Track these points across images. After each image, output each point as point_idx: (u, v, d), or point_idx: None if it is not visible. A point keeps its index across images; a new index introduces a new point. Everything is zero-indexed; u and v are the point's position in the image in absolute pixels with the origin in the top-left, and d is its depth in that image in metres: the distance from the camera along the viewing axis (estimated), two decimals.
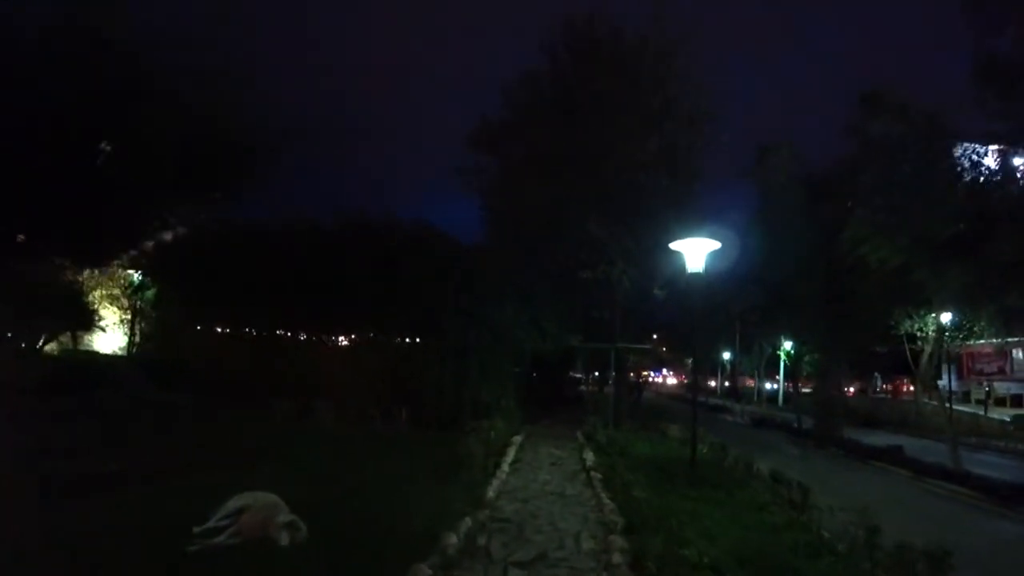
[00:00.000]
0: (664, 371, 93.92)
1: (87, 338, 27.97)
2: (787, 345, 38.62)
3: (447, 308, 15.57)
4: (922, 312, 20.75)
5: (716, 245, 10.85)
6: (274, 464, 9.80)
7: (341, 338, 19.14)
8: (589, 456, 11.77)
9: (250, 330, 20.06)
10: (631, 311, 19.68)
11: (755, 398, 44.41)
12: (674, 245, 11.18)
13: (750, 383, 53.68)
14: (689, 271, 10.97)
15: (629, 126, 20.22)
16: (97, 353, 25.94)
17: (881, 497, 10.95)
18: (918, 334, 22.27)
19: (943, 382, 32.16)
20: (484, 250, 17.77)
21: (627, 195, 19.26)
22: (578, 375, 40.85)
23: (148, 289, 23.91)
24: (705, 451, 13.18)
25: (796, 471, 12.00)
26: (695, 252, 10.95)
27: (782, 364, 39.44)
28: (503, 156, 22.69)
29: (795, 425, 21.33)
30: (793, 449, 17.74)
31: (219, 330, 21.07)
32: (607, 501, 7.76)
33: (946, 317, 20.79)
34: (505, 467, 10.29)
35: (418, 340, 17.22)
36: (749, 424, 25.25)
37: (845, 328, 18.38)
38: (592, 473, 10.09)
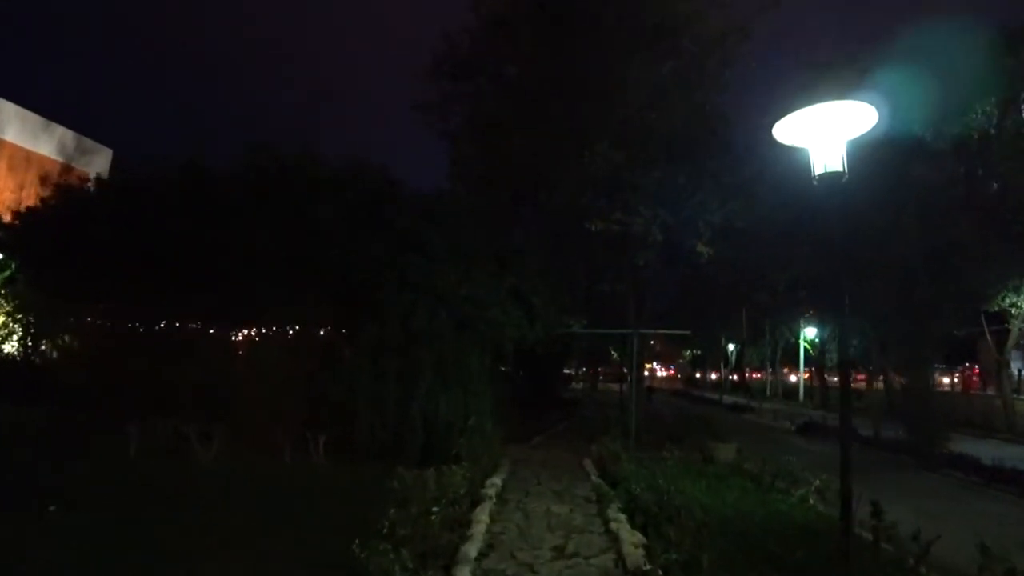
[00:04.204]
0: (654, 364, 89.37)
1: None
2: (808, 332, 33.87)
3: (386, 278, 10.09)
4: None
5: (869, 117, 5.45)
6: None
7: (248, 331, 13.53)
8: (623, 527, 6.38)
9: (131, 323, 14.36)
10: (649, 283, 14.36)
11: (767, 393, 39.52)
12: (784, 126, 5.76)
13: (756, 376, 49.08)
14: (820, 172, 5.57)
15: (638, 46, 15.06)
16: None
17: None
18: (1012, 311, 17.35)
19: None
20: (444, 195, 12.28)
21: (641, 125, 13.98)
22: (568, 371, 35.61)
23: (3, 271, 18.04)
24: (813, 504, 7.90)
25: (951, 526, 6.88)
26: (829, 135, 5.53)
27: (801, 354, 34.60)
28: (477, 87, 17.40)
29: (866, 433, 16.05)
30: (888, 472, 12.46)
31: (89, 322, 15.34)
32: None
33: None
34: None
35: (345, 331, 11.68)
36: (792, 430, 20.06)
37: (944, 300, 13.25)
38: None
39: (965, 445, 15.17)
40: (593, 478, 9.60)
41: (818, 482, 7.77)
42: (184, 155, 13.97)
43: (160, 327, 13.30)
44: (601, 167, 11.71)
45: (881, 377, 20.75)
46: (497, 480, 9.02)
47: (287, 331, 12.14)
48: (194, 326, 13.15)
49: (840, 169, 5.37)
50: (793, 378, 42.86)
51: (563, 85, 14.69)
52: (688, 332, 13.46)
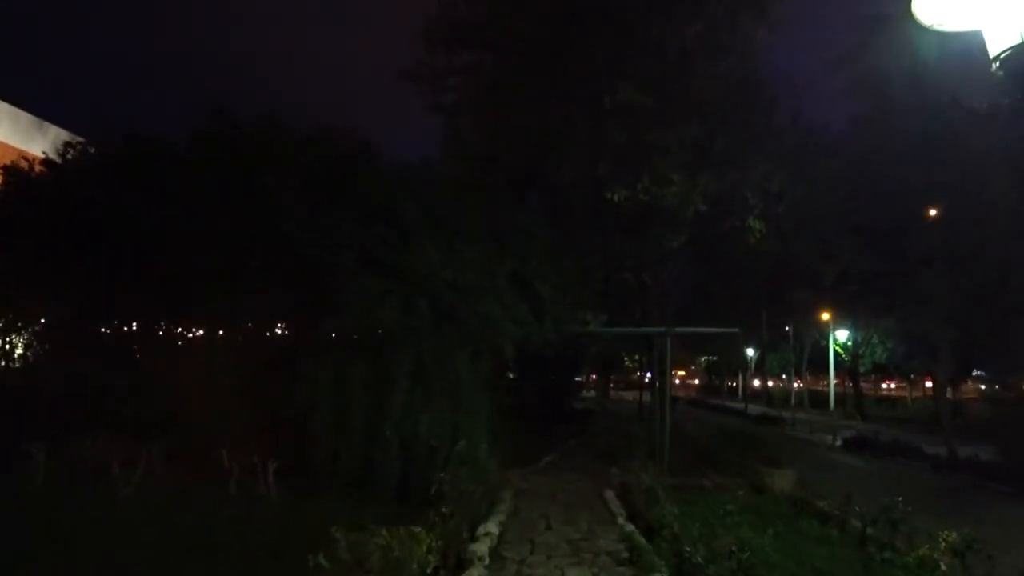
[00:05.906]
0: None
1: None
2: (840, 335, 31.28)
3: (349, 257, 7.86)
4: None
5: None
6: None
7: (191, 331, 11.33)
8: None
9: (51, 323, 12.23)
10: (677, 274, 12.04)
11: (792, 402, 36.84)
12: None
13: (779, 384, 46.39)
14: (1003, 51, 3.20)
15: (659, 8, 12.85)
16: None
17: None
18: None
19: None
20: (431, 165, 10.06)
21: (666, 89, 11.70)
22: (579, 379, 33.13)
23: None
24: (946, 573, 5.46)
25: None
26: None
27: (831, 358, 31.95)
28: (476, 56, 15.23)
29: (934, 451, 13.55)
30: (985, 505, 9.95)
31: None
32: None
33: None
34: None
35: (304, 328, 9.45)
36: (836, 445, 17.61)
37: None
38: None
39: None
40: (620, 520, 7.27)
41: (955, 536, 5.33)
42: (127, 126, 11.92)
43: (86, 328, 11.12)
44: (622, 126, 9.41)
45: (931, 384, 18.21)
46: (492, 526, 6.72)
47: (237, 330, 9.92)
48: (127, 328, 10.97)
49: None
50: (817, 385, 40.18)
51: (576, 48, 12.53)
52: (736, 330, 11.36)
